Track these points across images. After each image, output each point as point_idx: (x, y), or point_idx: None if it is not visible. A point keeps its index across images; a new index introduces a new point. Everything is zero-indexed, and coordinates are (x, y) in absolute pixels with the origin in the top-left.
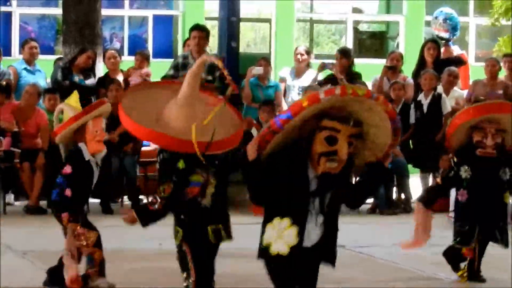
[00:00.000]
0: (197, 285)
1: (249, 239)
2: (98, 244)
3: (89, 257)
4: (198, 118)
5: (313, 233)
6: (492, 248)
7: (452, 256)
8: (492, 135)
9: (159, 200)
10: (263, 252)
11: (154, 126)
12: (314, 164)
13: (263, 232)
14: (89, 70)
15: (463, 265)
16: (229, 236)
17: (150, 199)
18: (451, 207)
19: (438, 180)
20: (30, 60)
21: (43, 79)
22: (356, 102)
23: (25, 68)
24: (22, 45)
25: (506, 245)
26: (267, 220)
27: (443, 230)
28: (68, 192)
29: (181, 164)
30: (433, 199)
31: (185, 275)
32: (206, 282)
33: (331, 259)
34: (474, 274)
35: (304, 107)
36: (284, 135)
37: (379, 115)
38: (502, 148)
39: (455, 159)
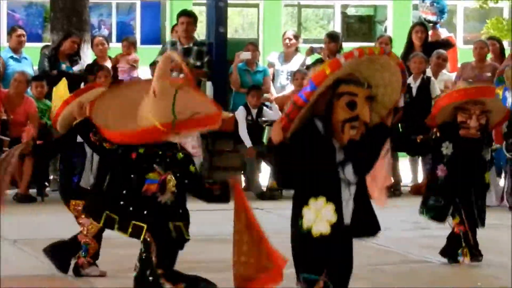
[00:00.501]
0: (165, 275)
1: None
2: (97, 236)
3: (84, 246)
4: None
5: (347, 207)
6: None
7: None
8: (477, 116)
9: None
10: (305, 237)
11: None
12: (338, 134)
13: (299, 217)
14: (75, 55)
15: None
16: (188, 234)
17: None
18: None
19: (418, 139)
20: (17, 48)
21: (30, 67)
22: (368, 63)
23: (11, 57)
24: (9, 33)
25: (482, 224)
26: (301, 204)
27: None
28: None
29: (141, 150)
30: (402, 146)
31: (148, 273)
32: (172, 272)
33: (373, 230)
34: (471, 249)
35: (327, 75)
36: (303, 111)
37: (391, 71)
38: (486, 129)
39: (437, 134)
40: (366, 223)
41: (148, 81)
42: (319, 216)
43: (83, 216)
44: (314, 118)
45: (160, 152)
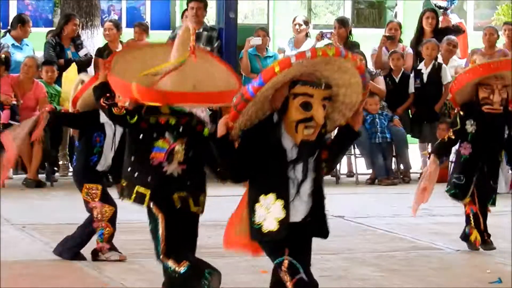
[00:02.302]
0: (167, 251)
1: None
2: (111, 220)
3: (101, 230)
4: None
5: (300, 204)
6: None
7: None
8: (499, 91)
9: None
10: (256, 233)
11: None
12: (292, 133)
13: (253, 213)
14: (77, 38)
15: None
16: (201, 208)
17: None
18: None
19: (450, 133)
20: (20, 38)
21: (31, 52)
22: (326, 64)
23: (12, 44)
24: (17, 22)
25: (493, 203)
26: (254, 201)
27: (441, 200)
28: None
29: (152, 119)
30: (444, 152)
31: (155, 241)
32: (177, 248)
33: (323, 232)
34: (482, 234)
35: (275, 73)
36: (256, 107)
37: (349, 73)
38: (507, 104)
39: (461, 113)
40: (318, 224)
41: (166, 45)
42: (269, 213)
43: (96, 200)
44: (273, 113)
45: (172, 122)
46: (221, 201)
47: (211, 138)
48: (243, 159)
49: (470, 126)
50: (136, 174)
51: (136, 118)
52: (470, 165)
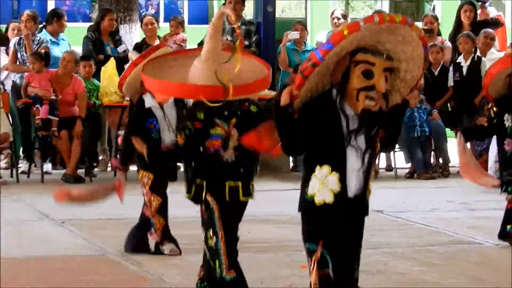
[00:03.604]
0: (227, 242)
1: (280, 205)
2: (161, 210)
3: (151, 220)
4: (223, 69)
5: (356, 177)
6: None
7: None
8: None
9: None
10: (308, 204)
11: (176, 79)
12: (353, 103)
13: (306, 186)
14: (116, 34)
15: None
16: (248, 195)
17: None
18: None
19: (483, 121)
20: (56, 33)
21: (68, 47)
22: (390, 34)
23: (49, 40)
24: (52, 17)
25: None
26: (308, 172)
27: (480, 194)
28: (119, 140)
29: (200, 116)
30: (472, 136)
31: (210, 232)
32: (233, 239)
33: (365, 210)
34: None
35: (344, 36)
36: (317, 78)
37: (413, 44)
38: None
39: (494, 109)
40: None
41: (198, 49)
42: (323, 185)
43: (146, 188)
44: (332, 88)
45: (226, 112)
46: (261, 196)
47: (273, 106)
48: (300, 131)
49: (507, 121)
50: (194, 168)
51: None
52: None
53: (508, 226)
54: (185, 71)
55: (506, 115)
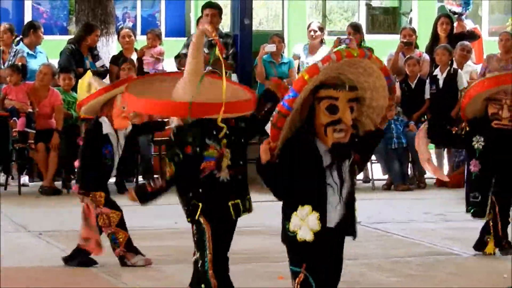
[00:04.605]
0: (214, 261)
1: (265, 217)
2: (120, 224)
3: (113, 237)
4: (207, 89)
5: (336, 211)
6: None
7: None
8: (508, 106)
9: (159, 182)
10: (291, 238)
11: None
12: (322, 138)
13: (287, 220)
14: (94, 49)
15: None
16: (248, 210)
17: (151, 180)
18: None
19: (455, 129)
20: (33, 45)
21: (45, 60)
22: (350, 66)
23: (27, 53)
24: (28, 29)
25: None
26: (291, 209)
27: (457, 205)
28: (76, 163)
29: (189, 139)
30: (437, 137)
31: (199, 253)
32: (223, 259)
33: (352, 232)
34: (500, 242)
35: (306, 81)
36: (288, 121)
37: (374, 75)
38: None
39: (467, 128)
40: (349, 225)
41: (178, 73)
42: (304, 223)
43: (101, 206)
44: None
45: (214, 131)
46: None
47: (256, 166)
48: (284, 176)
49: (476, 143)
50: (187, 189)
51: (179, 153)
52: (483, 181)
53: (486, 237)
54: (169, 92)
55: (477, 137)
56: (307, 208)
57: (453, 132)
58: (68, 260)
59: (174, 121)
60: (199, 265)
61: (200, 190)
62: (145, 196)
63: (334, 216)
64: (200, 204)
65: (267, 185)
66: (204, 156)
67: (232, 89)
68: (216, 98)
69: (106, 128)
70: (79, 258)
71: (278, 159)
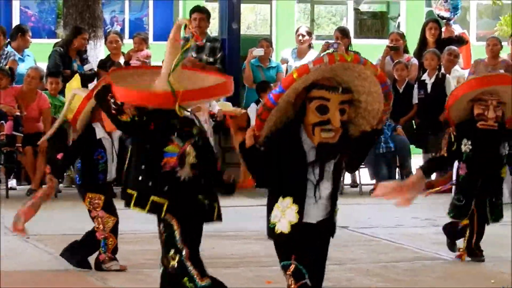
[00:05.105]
0: (192, 256)
1: (246, 221)
2: (114, 230)
3: (103, 241)
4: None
5: (317, 207)
6: (493, 227)
7: (449, 231)
8: (494, 107)
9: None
10: (270, 231)
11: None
12: (310, 136)
13: (269, 213)
14: (83, 52)
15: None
16: (218, 217)
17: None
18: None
19: (443, 152)
20: (21, 49)
21: (33, 63)
22: (345, 70)
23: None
24: (16, 33)
25: (496, 220)
26: (273, 201)
27: (445, 210)
28: (59, 155)
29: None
30: (433, 170)
31: (172, 252)
32: (197, 255)
33: (332, 231)
34: (471, 250)
35: (294, 79)
36: (280, 113)
37: (369, 80)
38: (502, 122)
39: (454, 133)
40: (328, 224)
41: (157, 67)
42: (284, 215)
43: (98, 209)
44: (292, 119)
45: (178, 126)
46: (225, 212)
47: (240, 151)
48: (267, 164)
49: (464, 146)
50: (150, 183)
51: (144, 119)
52: (468, 185)
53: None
54: (148, 85)
55: (465, 140)
56: (288, 200)
57: (439, 155)
58: (68, 255)
59: None
60: (173, 264)
61: (166, 187)
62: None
63: (315, 212)
64: (166, 203)
65: (250, 171)
66: (165, 152)
67: (204, 77)
68: (196, 86)
69: (99, 133)
70: (80, 257)
71: (264, 147)
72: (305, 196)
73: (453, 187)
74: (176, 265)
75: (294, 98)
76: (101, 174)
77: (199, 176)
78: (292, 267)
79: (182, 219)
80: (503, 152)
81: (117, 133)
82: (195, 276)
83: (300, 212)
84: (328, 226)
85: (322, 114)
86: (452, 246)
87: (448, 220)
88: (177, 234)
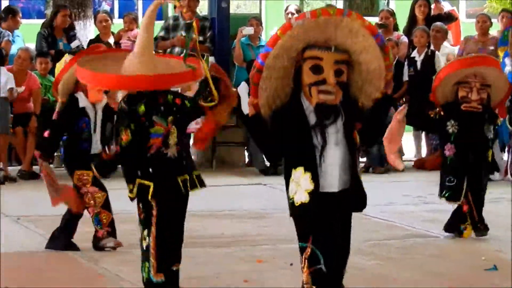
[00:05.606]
0: (158, 244)
1: (245, 200)
2: (105, 205)
3: (96, 218)
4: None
5: (331, 173)
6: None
7: (451, 227)
8: (477, 89)
9: (113, 148)
10: (291, 206)
11: (109, 72)
12: (308, 98)
13: (287, 189)
14: (70, 30)
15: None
16: (200, 185)
17: (106, 147)
18: None
19: (431, 112)
20: (12, 29)
21: (22, 44)
22: (336, 29)
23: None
24: (7, 14)
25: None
26: (288, 176)
27: (436, 188)
28: (46, 133)
29: (141, 109)
30: (414, 120)
31: (145, 233)
32: (169, 240)
33: (359, 205)
34: (476, 225)
35: (278, 36)
36: (282, 82)
37: (360, 35)
38: (488, 104)
39: (441, 113)
40: (354, 196)
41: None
42: (299, 186)
43: (88, 185)
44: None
45: (157, 104)
46: (217, 191)
47: (241, 117)
48: (276, 138)
49: (451, 127)
50: (136, 168)
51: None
52: (458, 165)
53: (462, 226)
54: (119, 65)
55: (452, 121)
56: (300, 170)
57: (431, 116)
58: (52, 244)
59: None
60: (144, 245)
61: (150, 169)
62: (102, 167)
63: (330, 179)
64: (151, 185)
65: (257, 145)
66: (151, 133)
67: (174, 62)
68: (170, 70)
69: (82, 102)
70: (64, 240)
71: (271, 121)
72: (315, 163)
73: (440, 170)
74: (144, 248)
75: (291, 63)
76: (85, 143)
77: (181, 151)
78: (308, 251)
79: (162, 201)
80: (488, 135)
81: (100, 104)
82: (151, 268)
83: (315, 179)
84: (352, 197)
85: (316, 74)
86: (458, 230)
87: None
88: (153, 217)
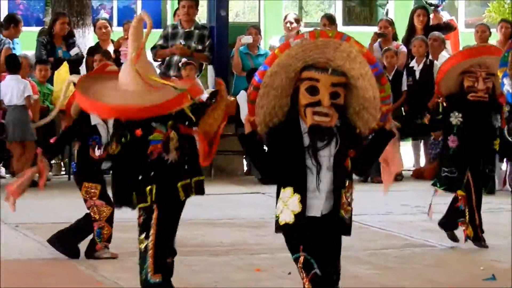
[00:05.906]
0: (156, 245)
1: (236, 209)
2: (109, 220)
3: (98, 230)
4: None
5: (319, 199)
6: (483, 214)
7: (445, 224)
8: (483, 79)
9: (101, 151)
10: (276, 224)
11: (106, 99)
12: (303, 119)
13: (276, 207)
14: (69, 38)
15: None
16: (198, 191)
17: (97, 146)
18: None
19: (426, 120)
20: (13, 37)
21: (20, 51)
22: (335, 51)
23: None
24: (8, 22)
25: (490, 192)
26: (277, 194)
27: (434, 198)
28: (52, 140)
29: (139, 132)
30: (411, 133)
31: (143, 236)
32: (167, 242)
33: (343, 229)
34: (476, 230)
35: (276, 55)
36: (280, 101)
37: (358, 61)
38: (493, 94)
39: (444, 104)
40: (338, 221)
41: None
42: (286, 206)
43: (94, 198)
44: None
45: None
46: (215, 200)
47: (240, 140)
48: (271, 158)
49: (454, 118)
50: (140, 178)
51: (128, 134)
52: (461, 157)
53: (459, 223)
54: (118, 90)
55: (456, 113)
56: (288, 190)
57: (426, 121)
58: (56, 242)
59: None
60: (141, 247)
61: (152, 173)
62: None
63: (317, 204)
64: (154, 187)
65: (253, 163)
66: (150, 140)
67: (166, 88)
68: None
69: (94, 119)
70: (69, 243)
71: (267, 139)
72: (306, 186)
73: (439, 161)
74: (142, 250)
75: (289, 82)
76: (96, 160)
77: (183, 156)
78: (301, 259)
79: (163, 205)
80: (495, 124)
81: (111, 120)
82: (148, 269)
83: (303, 202)
84: (335, 221)
85: (312, 95)
86: (453, 236)
87: (440, 207)
88: (153, 219)
